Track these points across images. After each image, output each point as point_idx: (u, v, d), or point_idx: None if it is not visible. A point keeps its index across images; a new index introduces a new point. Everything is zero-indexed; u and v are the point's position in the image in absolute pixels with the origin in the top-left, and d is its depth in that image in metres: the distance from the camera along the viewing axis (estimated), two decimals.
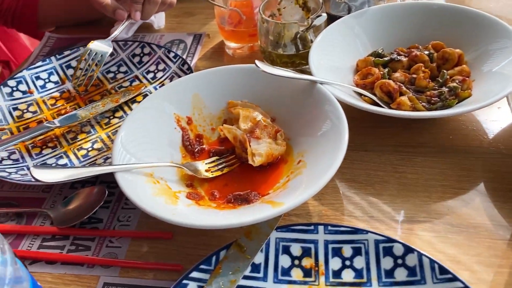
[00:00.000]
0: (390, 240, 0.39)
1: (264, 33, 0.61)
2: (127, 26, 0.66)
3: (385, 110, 0.49)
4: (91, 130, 0.58)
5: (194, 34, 0.74)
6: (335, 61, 0.57)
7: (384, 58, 0.57)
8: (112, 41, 0.68)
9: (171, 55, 0.65)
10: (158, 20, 0.74)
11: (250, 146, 0.47)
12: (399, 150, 0.51)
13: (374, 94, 0.54)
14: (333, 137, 0.44)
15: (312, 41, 0.59)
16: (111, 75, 0.66)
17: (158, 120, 0.51)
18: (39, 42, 0.87)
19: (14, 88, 0.63)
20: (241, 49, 0.70)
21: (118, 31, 0.64)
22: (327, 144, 0.44)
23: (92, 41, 0.63)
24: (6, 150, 0.54)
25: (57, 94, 0.64)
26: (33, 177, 0.39)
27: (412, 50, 0.57)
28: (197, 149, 0.52)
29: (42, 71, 0.65)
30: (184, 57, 0.69)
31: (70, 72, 0.66)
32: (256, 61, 0.50)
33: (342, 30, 0.60)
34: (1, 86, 0.62)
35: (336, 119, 0.45)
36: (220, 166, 0.50)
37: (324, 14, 0.56)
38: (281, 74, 0.50)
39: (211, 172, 0.49)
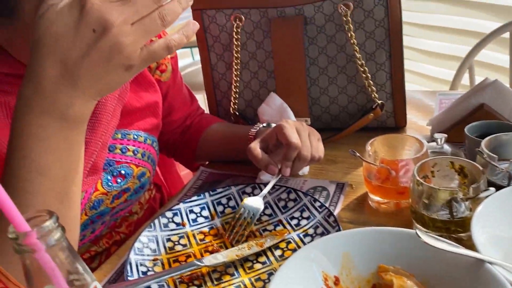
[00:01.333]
0: None
1: (417, 194, 0.60)
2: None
3: None
4: (235, 272, 0.59)
5: (337, 182, 0.76)
6: (498, 234, 0.53)
7: None
8: (260, 183, 0.72)
9: (317, 204, 0.66)
10: (303, 168, 0.77)
11: None
12: None
13: None
14: None
15: (470, 209, 0.56)
16: (257, 216, 0.68)
17: (305, 280, 0.50)
18: (189, 171, 0.97)
19: (170, 220, 0.68)
20: (386, 204, 0.68)
21: (267, 189, 0.69)
22: None
23: (246, 198, 0.67)
24: (156, 283, 0.57)
25: (206, 230, 0.67)
26: None
27: None
28: None
29: (196, 205, 0.70)
30: (327, 205, 0.70)
31: (219, 208, 0.70)
32: (417, 230, 0.49)
33: (506, 201, 0.56)
34: (160, 217, 0.68)
35: None
36: None
37: (492, 189, 0.54)
38: (445, 248, 0.47)
39: None
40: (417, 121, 0.94)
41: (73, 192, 0.49)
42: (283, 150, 0.69)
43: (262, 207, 0.66)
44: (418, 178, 0.59)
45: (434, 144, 0.75)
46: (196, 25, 0.49)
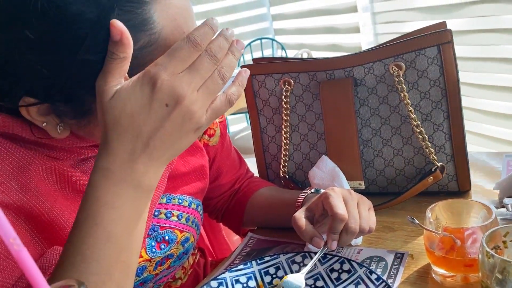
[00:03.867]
0: None
1: (488, 268, 0.53)
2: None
3: None
4: None
5: (396, 252, 0.69)
6: None
7: None
8: (311, 252, 0.67)
9: (373, 276, 0.60)
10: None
11: None
12: None
13: None
14: None
15: None
16: None
17: None
18: (235, 235, 0.94)
19: None
20: (452, 277, 0.61)
21: (311, 265, 0.64)
22: None
23: (286, 276, 0.63)
24: None
25: None
26: None
27: None
28: None
29: (242, 274, 0.67)
30: (384, 277, 0.64)
31: (267, 279, 0.66)
32: None
33: None
34: (204, 286, 0.64)
35: None
36: None
37: None
38: None
39: None
40: (483, 185, 0.86)
41: (134, 262, 0.49)
42: (329, 221, 0.64)
43: (303, 286, 0.61)
44: (488, 250, 0.52)
45: (504, 210, 0.68)
46: (247, 72, 0.51)
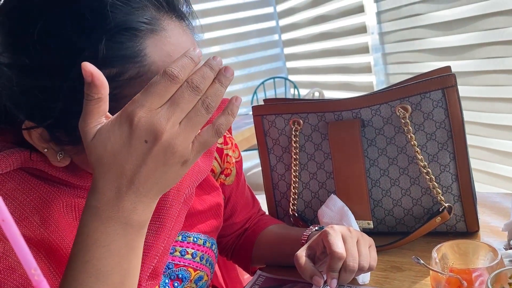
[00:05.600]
0: None
1: None
2: None
3: None
4: None
5: None
6: None
7: None
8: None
9: None
10: (363, 276, 0.73)
11: None
12: None
13: None
14: None
15: None
16: None
17: None
18: (247, 273, 0.94)
19: None
20: None
21: None
22: None
23: None
24: None
25: None
26: None
27: None
28: None
29: None
30: None
31: None
32: None
33: None
34: None
35: None
36: None
37: None
38: None
39: None
40: (493, 225, 0.86)
41: None
42: (328, 259, 0.65)
43: None
44: None
45: (511, 252, 0.68)
46: (239, 99, 0.49)
